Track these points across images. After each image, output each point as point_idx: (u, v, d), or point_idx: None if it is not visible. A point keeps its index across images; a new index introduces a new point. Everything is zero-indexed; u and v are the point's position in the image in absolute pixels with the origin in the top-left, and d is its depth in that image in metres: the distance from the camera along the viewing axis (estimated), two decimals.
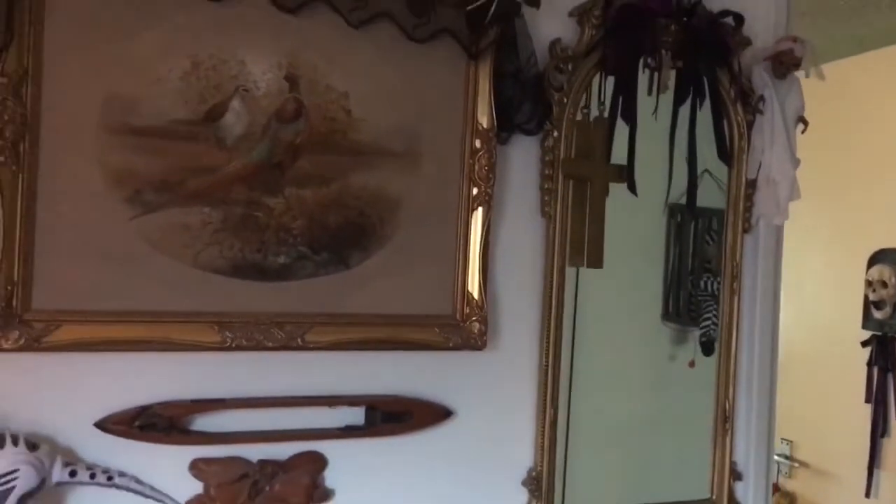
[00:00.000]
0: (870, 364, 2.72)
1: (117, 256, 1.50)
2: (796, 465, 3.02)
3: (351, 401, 1.71)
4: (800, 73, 2.00)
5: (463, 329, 1.75)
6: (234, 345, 1.57)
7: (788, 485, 3.03)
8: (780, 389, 3.01)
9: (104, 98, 1.48)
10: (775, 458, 3.03)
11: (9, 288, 1.42)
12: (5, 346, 1.42)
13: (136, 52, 1.50)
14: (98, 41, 1.48)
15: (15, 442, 1.41)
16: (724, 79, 1.96)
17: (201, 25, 1.53)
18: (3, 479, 1.39)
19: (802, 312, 3.05)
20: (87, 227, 1.48)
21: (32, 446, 1.43)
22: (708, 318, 2.07)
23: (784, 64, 1.94)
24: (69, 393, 1.52)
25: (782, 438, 3.06)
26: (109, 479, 1.52)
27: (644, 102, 1.88)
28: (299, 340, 1.62)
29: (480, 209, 1.75)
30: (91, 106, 1.48)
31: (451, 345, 1.74)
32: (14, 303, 1.43)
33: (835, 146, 2.79)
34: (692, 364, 2.08)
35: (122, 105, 1.49)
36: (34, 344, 1.44)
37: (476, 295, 1.75)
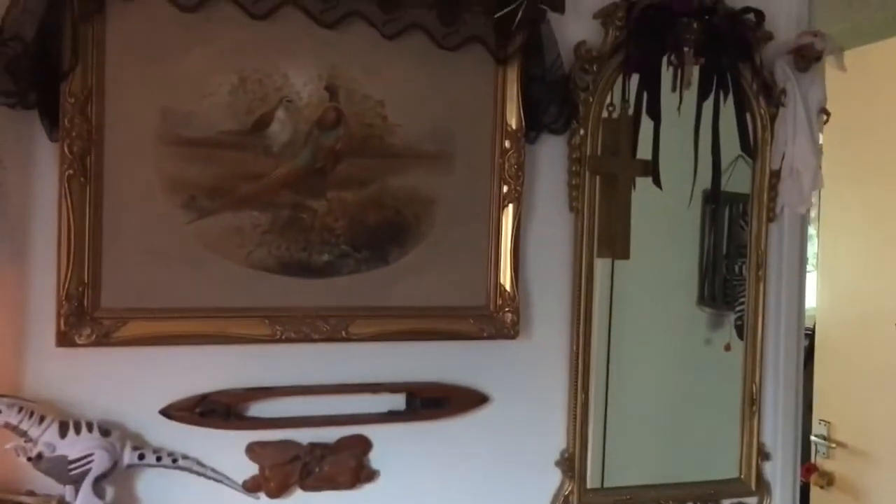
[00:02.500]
0: None
1: (177, 258, 1.61)
2: (833, 445, 3.04)
3: (392, 388, 1.80)
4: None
5: (496, 319, 1.83)
6: (283, 337, 1.67)
7: (826, 465, 3.06)
8: (816, 372, 3.05)
9: (160, 112, 1.59)
10: (813, 439, 3.05)
11: (80, 289, 1.54)
12: (79, 341, 1.55)
13: (188, 69, 1.61)
14: (153, 60, 1.59)
15: (90, 428, 1.54)
16: (746, 73, 1.98)
17: (247, 43, 1.63)
18: (80, 462, 1.52)
19: (838, 296, 3.07)
20: (149, 232, 1.59)
21: (105, 432, 1.56)
22: (743, 302, 2.09)
23: (805, 58, 1.96)
24: (136, 383, 1.64)
25: (820, 419, 3.08)
26: (174, 461, 1.64)
27: (668, 99, 1.92)
28: (343, 332, 1.71)
29: (511, 206, 1.82)
30: (148, 120, 1.59)
31: (485, 334, 1.82)
32: (85, 303, 1.55)
33: (866, 129, 2.80)
34: (728, 348, 2.11)
35: (176, 118, 1.60)
36: (104, 339, 1.56)
37: (508, 287, 1.82)
